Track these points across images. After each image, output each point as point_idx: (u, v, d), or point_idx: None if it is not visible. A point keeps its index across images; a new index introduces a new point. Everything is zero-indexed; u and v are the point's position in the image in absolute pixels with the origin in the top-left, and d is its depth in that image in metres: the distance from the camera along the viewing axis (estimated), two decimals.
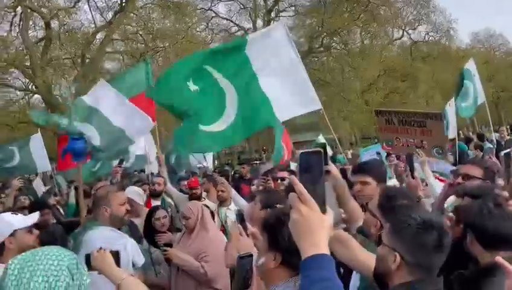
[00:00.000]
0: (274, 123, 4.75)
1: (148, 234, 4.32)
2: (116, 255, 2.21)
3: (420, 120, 4.92)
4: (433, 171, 4.74)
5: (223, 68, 4.67)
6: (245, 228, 2.20)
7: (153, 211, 4.51)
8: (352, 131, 25.48)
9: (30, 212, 5.00)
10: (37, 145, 8.58)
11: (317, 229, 1.14)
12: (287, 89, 4.52)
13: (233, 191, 5.04)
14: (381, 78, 24.83)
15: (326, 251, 1.13)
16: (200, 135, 4.66)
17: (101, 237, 3.16)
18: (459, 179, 3.27)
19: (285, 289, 1.78)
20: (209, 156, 10.07)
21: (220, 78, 4.63)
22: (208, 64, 4.68)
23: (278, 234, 1.80)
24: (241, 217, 2.27)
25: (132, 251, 3.20)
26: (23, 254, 1.49)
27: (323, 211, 1.16)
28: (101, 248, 2.22)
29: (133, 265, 3.20)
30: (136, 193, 5.03)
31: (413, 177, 4.37)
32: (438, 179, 4.53)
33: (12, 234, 2.67)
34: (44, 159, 8.54)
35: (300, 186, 1.15)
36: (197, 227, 3.83)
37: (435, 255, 1.65)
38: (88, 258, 2.20)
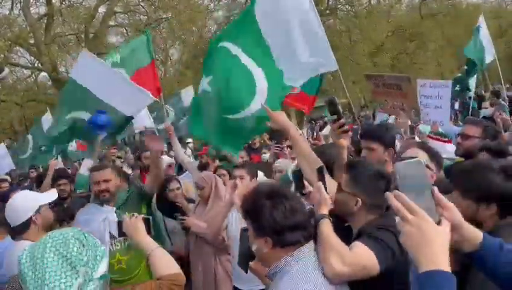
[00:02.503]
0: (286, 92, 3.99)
1: (162, 205, 4.40)
2: (147, 222, 2.27)
3: (397, 83, 4.99)
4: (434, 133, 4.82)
5: (239, 41, 3.97)
6: (303, 187, 2.20)
7: (166, 182, 4.58)
8: (362, 94, 25.10)
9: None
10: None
11: (433, 241, 1.07)
12: (299, 50, 3.82)
13: None
14: (389, 39, 24.25)
15: (445, 266, 1.05)
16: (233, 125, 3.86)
17: (82, 213, 3.53)
18: (459, 139, 3.37)
19: (275, 270, 1.80)
20: None
21: (240, 54, 3.93)
22: (225, 40, 4.03)
23: (261, 218, 1.78)
24: (298, 177, 2.25)
25: (111, 223, 3.35)
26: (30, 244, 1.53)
27: (437, 221, 1.11)
28: (133, 215, 2.26)
29: (112, 236, 3.36)
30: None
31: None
32: (433, 138, 4.56)
33: (38, 210, 2.76)
34: None
35: (403, 197, 1.10)
36: (211, 196, 3.89)
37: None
38: (120, 225, 2.27)
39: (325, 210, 1.98)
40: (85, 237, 1.52)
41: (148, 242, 2.08)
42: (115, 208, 3.46)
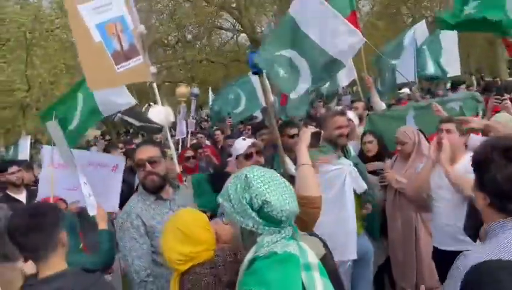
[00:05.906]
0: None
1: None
2: (317, 135, 2.50)
3: None
4: None
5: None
6: None
7: (363, 135, 4.62)
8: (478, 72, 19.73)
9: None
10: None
11: None
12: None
13: None
14: None
15: None
16: None
17: None
18: None
19: (488, 229, 1.64)
20: None
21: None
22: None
23: (484, 174, 1.62)
24: None
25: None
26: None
27: None
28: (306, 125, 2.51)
29: None
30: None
31: None
32: None
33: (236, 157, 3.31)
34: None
35: None
36: (413, 152, 3.76)
37: None
38: None
39: None
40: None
41: (303, 154, 2.28)
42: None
